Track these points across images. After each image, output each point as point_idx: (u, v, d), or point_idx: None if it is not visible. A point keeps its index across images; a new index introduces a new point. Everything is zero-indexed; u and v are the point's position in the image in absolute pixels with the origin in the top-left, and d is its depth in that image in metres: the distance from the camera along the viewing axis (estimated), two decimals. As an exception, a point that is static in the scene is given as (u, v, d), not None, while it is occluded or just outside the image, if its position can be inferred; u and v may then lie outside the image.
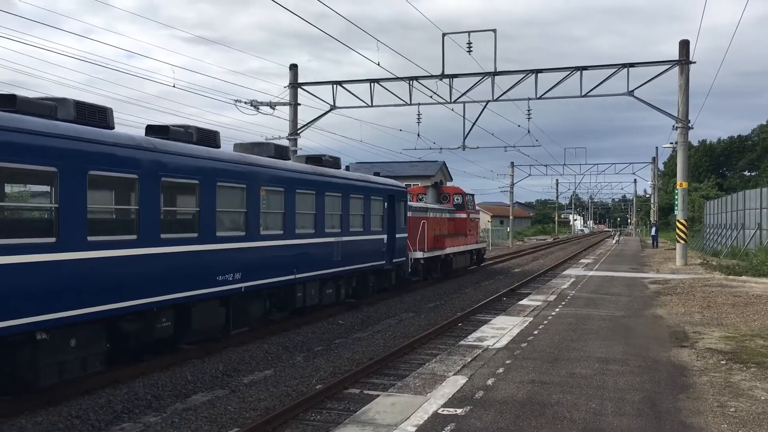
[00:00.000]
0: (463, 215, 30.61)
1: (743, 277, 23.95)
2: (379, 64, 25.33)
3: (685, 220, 29.40)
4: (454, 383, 8.54)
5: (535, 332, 12.36)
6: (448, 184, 53.76)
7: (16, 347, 8.80)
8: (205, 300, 12.18)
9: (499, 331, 12.54)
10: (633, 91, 27.35)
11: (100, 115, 10.44)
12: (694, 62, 27.51)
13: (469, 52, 27.57)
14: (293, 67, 30.39)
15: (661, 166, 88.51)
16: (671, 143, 35.63)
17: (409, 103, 29.60)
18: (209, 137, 13.03)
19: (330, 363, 12.20)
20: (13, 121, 8.53)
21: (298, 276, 15.30)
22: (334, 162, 18.49)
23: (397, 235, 21.54)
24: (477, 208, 35.29)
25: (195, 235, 11.90)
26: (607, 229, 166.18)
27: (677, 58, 27.52)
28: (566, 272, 27.60)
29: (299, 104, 30.34)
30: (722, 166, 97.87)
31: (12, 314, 8.34)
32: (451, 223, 29.26)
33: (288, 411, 8.99)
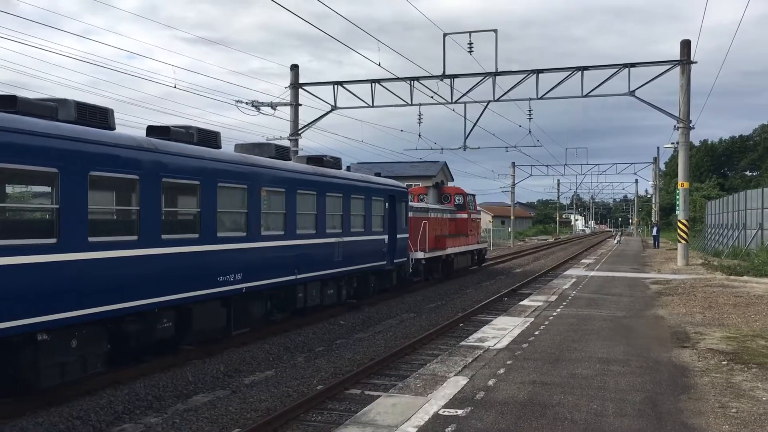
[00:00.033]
0: (464, 215, 30.60)
1: (744, 278, 23.93)
2: (380, 65, 25.40)
3: (687, 220, 29.37)
4: (455, 384, 8.53)
5: (536, 333, 12.35)
6: (449, 184, 53.75)
7: (17, 348, 8.80)
8: (206, 301, 12.18)
9: (500, 331, 12.53)
10: (634, 91, 27.33)
11: (100, 116, 10.44)
12: (696, 62, 27.52)
13: (470, 52, 27.58)
14: (294, 68, 30.41)
15: (662, 166, 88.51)
16: (672, 143, 35.59)
17: (410, 103, 29.60)
18: (210, 138, 13.03)
19: (331, 363, 12.20)
20: (14, 122, 8.53)
21: (299, 276, 15.29)
22: (335, 162, 18.49)
23: (398, 236, 21.54)
24: (478, 208, 35.28)
25: (196, 235, 11.90)
26: (608, 230, 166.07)
27: (678, 57, 27.50)
28: (567, 272, 27.59)
29: (300, 105, 30.36)
30: (724, 166, 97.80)
31: (13, 315, 8.34)
32: (452, 224, 29.25)
33: (289, 412, 8.99)
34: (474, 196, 33.47)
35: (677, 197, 30.34)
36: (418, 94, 29.37)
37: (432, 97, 29.32)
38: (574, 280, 23.30)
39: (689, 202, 30.85)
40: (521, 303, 17.16)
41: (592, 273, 26.59)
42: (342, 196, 17.72)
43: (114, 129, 10.65)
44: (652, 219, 78.43)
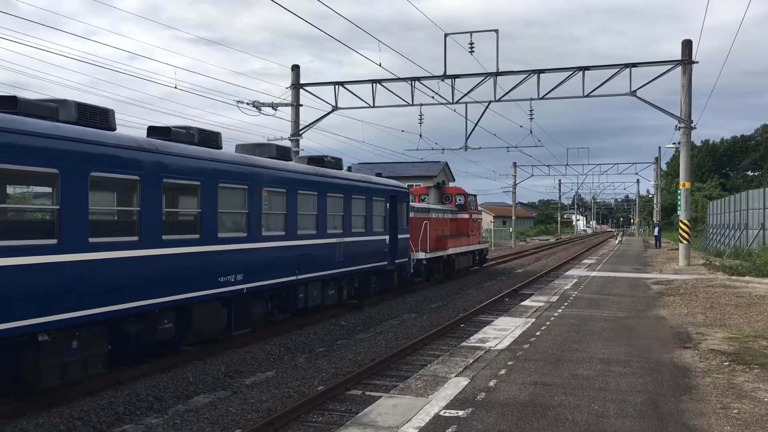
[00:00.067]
0: (466, 216, 30.58)
1: (746, 278, 23.90)
2: (380, 65, 25.35)
3: (688, 220, 29.33)
4: (456, 385, 8.52)
5: (538, 333, 12.33)
6: (451, 184, 53.75)
7: (17, 349, 8.79)
8: (206, 301, 12.17)
9: (502, 332, 12.51)
10: (635, 91, 27.31)
11: (101, 117, 10.43)
12: (697, 62, 27.49)
13: (471, 52, 27.56)
14: (295, 68, 30.40)
15: (663, 166, 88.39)
16: (674, 143, 35.51)
17: (411, 103, 29.59)
18: (211, 138, 13.02)
19: (332, 364, 12.19)
20: (15, 123, 8.53)
21: (300, 277, 15.28)
22: (336, 163, 18.49)
23: (399, 236, 21.52)
24: (479, 208, 35.26)
25: (197, 236, 11.89)
26: (609, 230, 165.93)
27: (679, 57, 27.47)
28: (569, 273, 27.56)
29: (301, 105, 30.35)
30: (725, 166, 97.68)
31: (14, 316, 8.34)
32: (453, 224, 29.24)
33: (290, 412, 8.98)
34: (475, 196, 33.46)
35: (679, 197, 30.30)
36: (419, 95, 29.41)
37: (433, 97, 29.33)
38: (575, 280, 23.28)
39: (691, 202, 30.80)
40: (522, 303, 17.14)
41: (594, 273, 26.56)
42: (343, 196, 17.72)
43: (115, 129, 10.64)
44: (654, 219, 78.34)
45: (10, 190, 8.94)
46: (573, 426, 6.87)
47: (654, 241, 58.12)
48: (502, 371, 9.26)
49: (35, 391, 9.18)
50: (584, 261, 37.46)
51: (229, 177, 12.80)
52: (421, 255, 24.21)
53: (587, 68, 27.45)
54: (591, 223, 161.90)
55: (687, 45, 27.51)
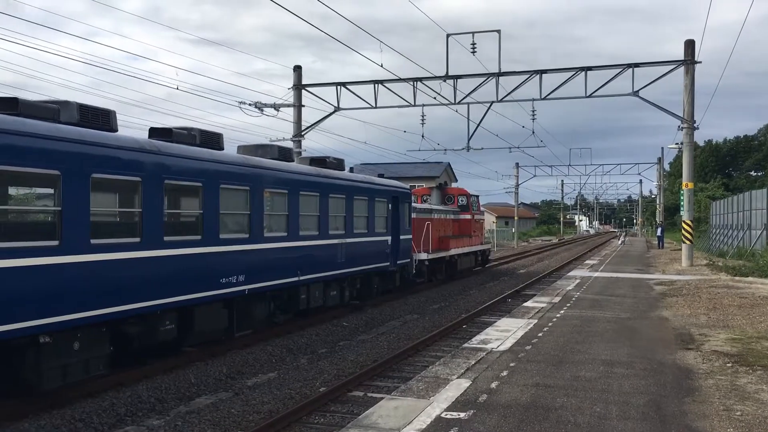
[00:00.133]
0: (468, 216, 30.56)
1: (749, 278, 23.84)
2: (382, 66, 25.33)
3: (691, 220, 29.27)
4: (457, 386, 8.50)
5: (540, 334, 12.30)
6: (453, 185, 53.66)
7: (19, 350, 8.79)
8: (208, 302, 12.17)
9: (504, 333, 12.49)
10: (638, 91, 27.25)
11: (103, 118, 10.43)
12: (700, 62, 27.45)
13: (474, 52, 27.54)
14: (297, 69, 30.39)
15: (666, 167, 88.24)
16: (677, 143, 35.43)
17: (413, 104, 29.57)
18: (212, 139, 13.02)
19: (334, 365, 12.17)
20: (16, 124, 8.53)
21: (301, 278, 15.28)
22: (338, 164, 18.48)
23: (402, 237, 21.50)
24: (482, 209, 35.23)
25: (198, 237, 11.89)
26: (612, 230, 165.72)
27: (682, 57, 27.42)
28: (571, 273, 27.52)
29: (303, 106, 30.34)
30: (728, 166, 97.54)
31: (15, 317, 8.33)
32: (455, 225, 29.22)
33: (291, 414, 8.97)
34: (477, 196, 33.43)
35: (682, 197, 30.25)
36: (421, 95, 29.37)
37: (435, 98, 29.31)
38: (578, 281, 23.24)
39: (694, 202, 30.73)
40: (525, 304, 17.11)
41: (596, 274, 26.51)
42: (345, 197, 17.70)
43: (116, 131, 10.64)
44: (657, 219, 78.22)
45: (11, 191, 8.94)
46: (575, 428, 6.84)
47: (657, 242, 58.04)
48: (504, 373, 9.24)
49: (37, 393, 9.18)
50: (587, 261, 37.40)
51: (230, 178, 12.79)
52: (424, 256, 24.19)
53: (590, 68, 27.41)
54: (594, 223, 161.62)
55: (690, 45, 27.46)
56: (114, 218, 10.70)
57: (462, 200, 30.93)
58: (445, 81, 28.69)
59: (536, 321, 13.94)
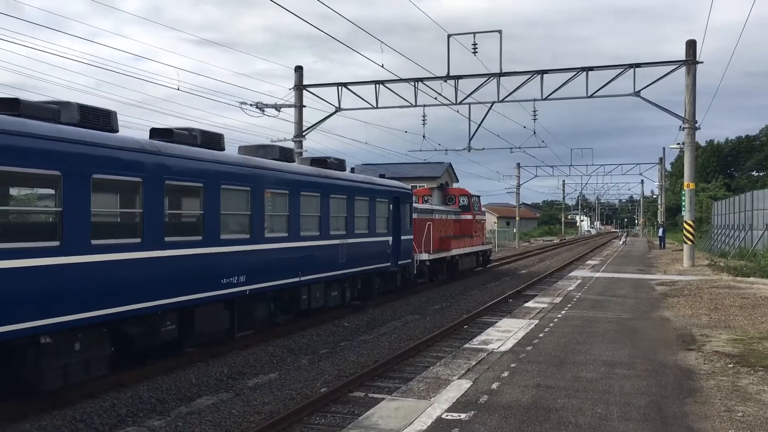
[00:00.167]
0: (469, 217, 30.55)
1: (751, 279, 23.81)
2: (383, 66, 25.32)
3: (693, 221, 29.24)
4: (458, 387, 8.49)
5: (541, 335, 12.29)
6: (454, 185, 53.65)
7: (20, 351, 8.79)
8: (209, 303, 12.17)
9: (505, 333, 12.48)
10: (639, 91, 27.22)
11: (104, 119, 10.43)
12: (701, 62, 27.40)
13: (475, 53, 27.53)
14: (298, 69, 30.39)
15: (668, 167, 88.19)
16: (678, 144, 35.39)
17: (414, 104, 29.57)
18: (213, 140, 13.02)
19: (335, 366, 12.17)
20: (17, 125, 8.53)
21: (302, 278, 15.27)
22: (339, 164, 18.47)
23: (403, 237, 21.50)
24: (483, 209, 35.22)
25: (199, 238, 11.89)
26: (614, 230, 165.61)
27: (684, 58, 27.39)
28: (572, 274, 27.50)
29: (304, 106, 30.35)
30: (730, 166, 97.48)
31: (16, 318, 8.34)
32: (456, 225, 29.21)
33: (292, 415, 8.97)
34: (479, 197, 33.42)
35: (683, 198, 30.21)
36: (422, 96, 29.34)
37: (436, 98, 29.30)
38: (579, 281, 23.22)
39: (695, 202, 30.70)
40: (526, 305, 17.10)
41: (598, 274, 26.49)
42: (346, 197, 17.70)
43: (117, 131, 10.64)
44: (658, 220, 78.18)
45: (12, 192, 8.95)
46: (576, 429, 6.83)
47: (658, 242, 58.01)
48: (505, 373, 9.23)
49: (37, 393, 9.19)
50: (588, 262, 37.38)
51: (231, 179, 12.79)
52: (425, 256, 24.19)
53: (591, 69, 27.38)
54: (595, 223, 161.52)
55: (691, 45, 27.43)
56: (115, 219, 10.71)
57: (463, 200, 30.92)
58: (446, 81, 28.68)
59: (537, 321, 13.93)
